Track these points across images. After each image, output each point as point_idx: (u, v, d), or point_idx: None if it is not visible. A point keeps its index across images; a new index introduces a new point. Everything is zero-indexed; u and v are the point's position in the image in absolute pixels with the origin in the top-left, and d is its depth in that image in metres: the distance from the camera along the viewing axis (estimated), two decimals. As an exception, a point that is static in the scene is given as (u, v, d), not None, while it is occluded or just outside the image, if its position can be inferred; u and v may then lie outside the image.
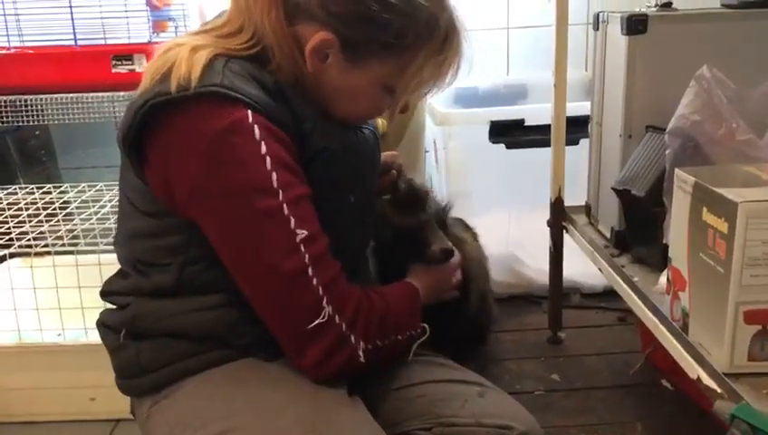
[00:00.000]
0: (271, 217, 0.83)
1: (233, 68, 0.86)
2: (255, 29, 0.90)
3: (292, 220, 0.84)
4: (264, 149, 0.83)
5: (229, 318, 0.90)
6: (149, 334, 0.92)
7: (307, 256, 0.84)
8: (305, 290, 0.85)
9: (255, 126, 0.83)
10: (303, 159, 0.89)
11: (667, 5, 1.43)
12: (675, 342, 1.06)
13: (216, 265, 0.88)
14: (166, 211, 0.89)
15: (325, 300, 0.85)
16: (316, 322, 0.85)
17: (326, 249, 0.88)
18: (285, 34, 0.88)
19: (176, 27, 2.02)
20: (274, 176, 0.83)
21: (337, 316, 0.86)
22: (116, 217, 1.00)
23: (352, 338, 0.88)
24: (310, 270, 0.85)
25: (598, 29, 1.54)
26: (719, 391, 0.92)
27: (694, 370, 0.99)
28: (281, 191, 0.83)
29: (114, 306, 0.98)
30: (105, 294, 1.00)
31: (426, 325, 0.99)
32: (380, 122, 1.10)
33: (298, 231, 0.84)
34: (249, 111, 0.83)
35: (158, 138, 0.86)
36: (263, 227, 0.84)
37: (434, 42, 0.90)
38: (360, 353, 0.88)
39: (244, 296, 0.87)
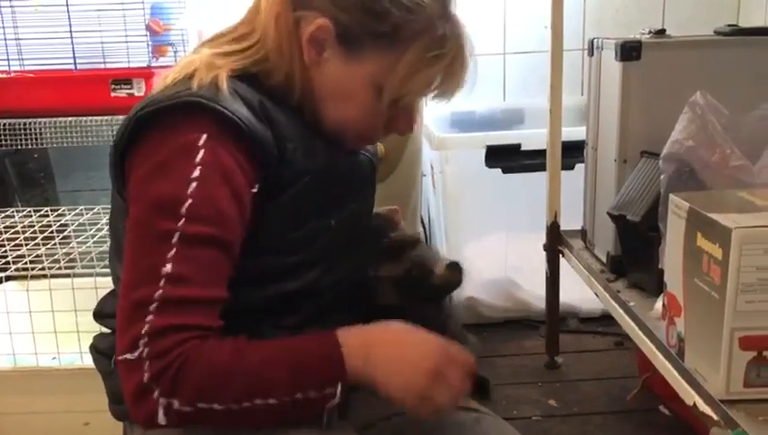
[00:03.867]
0: (159, 237, 0.79)
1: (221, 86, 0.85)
2: (262, 33, 0.90)
3: (174, 251, 0.78)
4: (196, 173, 0.79)
5: None
6: None
7: (161, 291, 0.77)
8: (137, 322, 0.77)
9: (203, 150, 0.80)
10: (283, 178, 0.87)
11: (661, 32, 1.45)
12: (671, 367, 1.05)
13: None
14: None
15: (145, 341, 0.77)
16: (127, 355, 0.77)
17: (190, 301, 0.78)
18: (289, 32, 0.88)
19: (175, 52, 2.05)
20: (189, 202, 0.79)
21: (147, 363, 0.77)
22: (112, 239, 1.00)
23: (155, 393, 0.77)
24: (153, 307, 0.77)
25: (592, 55, 1.56)
26: (715, 417, 0.92)
27: (690, 396, 0.98)
28: (184, 220, 0.78)
29: (107, 330, 0.98)
30: (98, 315, 0.99)
31: (338, 389, 0.79)
32: (381, 147, 1.10)
33: (171, 265, 0.77)
34: (204, 136, 0.81)
35: (137, 147, 0.85)
36: (147, 243, 0.80)
37: (426, 40, 0.88)
38: (160, 412, 0.77)
39: (224, 320, 0.84)
